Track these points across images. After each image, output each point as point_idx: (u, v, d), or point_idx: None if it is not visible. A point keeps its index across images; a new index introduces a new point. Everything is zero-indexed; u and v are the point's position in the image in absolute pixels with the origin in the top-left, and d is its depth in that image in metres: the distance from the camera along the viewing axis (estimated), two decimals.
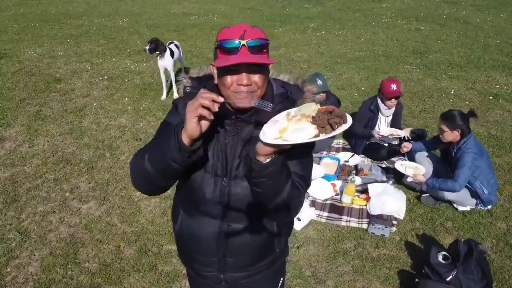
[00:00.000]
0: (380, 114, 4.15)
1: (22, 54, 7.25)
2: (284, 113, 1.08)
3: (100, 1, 12.38)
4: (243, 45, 1.19)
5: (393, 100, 4.02)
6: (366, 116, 4.19)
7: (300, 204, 1.30)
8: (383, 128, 4.16)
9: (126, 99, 5.53)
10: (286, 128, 1.03)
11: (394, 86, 3.98)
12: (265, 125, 1.06)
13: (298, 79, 1.44)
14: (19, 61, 6.91)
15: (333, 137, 4.35)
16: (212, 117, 1.10)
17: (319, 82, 4.08)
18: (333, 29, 9.55)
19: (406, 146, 3.78)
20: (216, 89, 1.31)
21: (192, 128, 1.09)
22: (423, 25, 9.98)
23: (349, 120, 1.02)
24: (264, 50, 1.24)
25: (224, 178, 1.34)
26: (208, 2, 12.60)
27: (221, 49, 1.22)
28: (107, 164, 4.03)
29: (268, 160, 1.07)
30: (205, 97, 1.06)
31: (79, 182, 3.74)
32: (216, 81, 1.30)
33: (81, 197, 3.55)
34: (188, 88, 1.38)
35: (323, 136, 1.00)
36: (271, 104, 1.23)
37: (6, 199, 3.48)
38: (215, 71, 1.30)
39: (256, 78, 1.22)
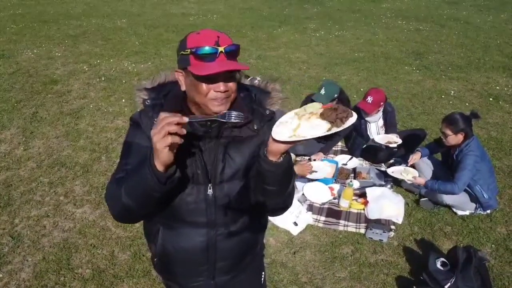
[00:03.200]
0: (367, 120, 4.08)
1: (20, 55, 7.20)
2: (290, 114, 1.16)
3: (99, 1, 12.33)
4: (221, 51, 1.19)
5: (364, 111, 3.94)
6: None
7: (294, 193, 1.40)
8: (375, 134, 4.11)
9: (123, 100, 5.48)
10: (298, 126, 1.12)
11: (369, 99, 3.88)
12: (274, 127, 1.12)
13: (263, 80, 1.45)
14: (16, 62, 6.86)
15: (324, 141, 4.27)
16: (182, 140, 1.08)
17: (322, 91, 3.94)
18: (332, 29, 9.50)
19: (416, 158, 3.64)
20: (179, 97, 1.31)
21: (165, 156, 1.08)
22: (423, 25, 9.92)
23: (354, 114, 1.12)
24: (237, 56, 1.25)
25: (209, 185, 1.33)
26: (207, 2, 12.55)
27: (196, 56, 1.19)
28: (102, 167, 3.99)
29: (281, 158, 1.15)
30: (170, 123, 1.04)
31: (74, 186, 3.70)
32: (183, 88, 1.28)
33: (75, 201, 3.51)
34: (148, 101, 1.34)
35: (335, 129, 1.10)
36: (242, 114, 1.22)
37: (0, 203, 3.44)
38: (182, 78, 1.28)
39: (231, 83, 1.23)
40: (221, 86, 1.20)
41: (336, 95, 3.97)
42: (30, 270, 2.81)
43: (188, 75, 1.24)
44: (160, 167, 1.10)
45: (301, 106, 1.24)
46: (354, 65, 7.07)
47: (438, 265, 2.57)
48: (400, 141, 3.87)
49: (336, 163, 4.01)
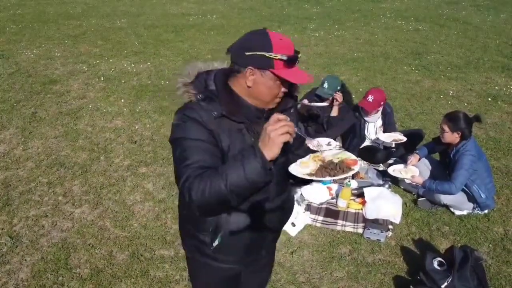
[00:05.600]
0: (366, 120, 4.08)
1: (19, 55, 7.22)
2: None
3: (99, 1, 12.34)
4: (298, 60, 1.38)
5: (364, 109, 3.95)
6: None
7: None
8: (373, 134, 4.11)
9: (122, 100, 5.49)
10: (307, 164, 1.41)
11: (370, 98, 3.88)
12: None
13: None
14: (16, 62, 6.87)
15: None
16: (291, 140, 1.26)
17: (325, 85, 4.06)
18: (332, 29, 9.50)
19: (414, 161, 3.59)
20: (228, 89, 1.42)
21: (278, 150, 1.22)
22: (422, 25, 9.93)
23: (342, 176, 1.34)
24: None
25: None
26: (206, 3, 12.56)
27: (286, 63, 1.34)
28: (101, 167, 4.00)
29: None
30: (290, 125, 1.22)
31: (73, 186, 3.71)
32: (250, 84, 1.38)
33: (74, 201, 3.52)
34: (200, 95, 1.40)
35: (313, 177, 1.34)
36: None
37: None
38: (252, 76, 1.37)
39: None
40: (286, 90, 1.42)
41: (338, 87, 4.10)
42: (29, 270, 2.82)
43: (264, 75, 1.35)
44: (269, 159, 1.22)
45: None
46: (353, 65, 7.08)
47: (435, 264, 2.58)
48: (405, 139, 3.86)
49: None
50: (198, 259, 1.68)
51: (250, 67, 1.35)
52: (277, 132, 1.19)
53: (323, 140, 3.52)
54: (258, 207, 1.53)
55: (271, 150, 1.21)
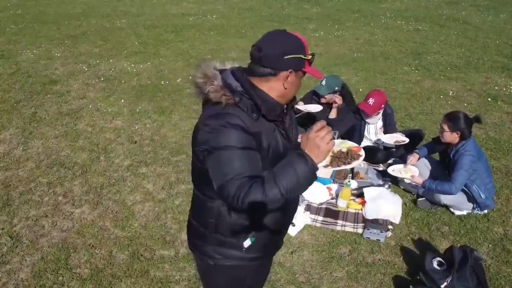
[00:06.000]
0: (367, 121, 4.07)
1: (19, 55, 7.22)
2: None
3: (99, 1, 12.34)
4: None
5: (365, 112, 3.94)
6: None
7: None
8: (373, 135, 4.11)
9: (122, 101, 5.50)
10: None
11: (371, 101, 3.86)
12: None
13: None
14: (16, 62, 6.88)
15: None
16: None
17: (323, 82, 4.06)
18: (332, 29, 9.51)
19: (413, 160, 3.59)
20: (261, 91, 1.44)
21: (325, 157, 1.35)
22: (422, 25, 9.93)
23: (356, 162, 1.47)
24: None
25: None
26: (206, 3, 12.56)
27: (311, 61, 1.46)
28: (101, 167, 4.00)
29: None
30: (330, 130, 1.33)
31: (73, 186, 3.71)
32: (287, 86, 1.44)
33: (74, 201, 3.52)
34: (237, 99, 1.40)
35: (329, 168, 1.47)
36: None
37: None
38: (290, 78, 1.43)
39: None
40: None
41: (337, 88, 4.08)
42: (29, 270, 2.82)
43: (297, 76, 1.44)
44: (316, 164, 1.33)
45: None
46: (353, 65, 7.08)
47: (435, 264, 2.58)
48: (407, 140, 3.85)
49: None
50: (219, 262, 1.66)
51: (290, 70, 1.40)
52: (324, 141, 1.31)
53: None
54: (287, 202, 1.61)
55: (318, 157, 1.32)
